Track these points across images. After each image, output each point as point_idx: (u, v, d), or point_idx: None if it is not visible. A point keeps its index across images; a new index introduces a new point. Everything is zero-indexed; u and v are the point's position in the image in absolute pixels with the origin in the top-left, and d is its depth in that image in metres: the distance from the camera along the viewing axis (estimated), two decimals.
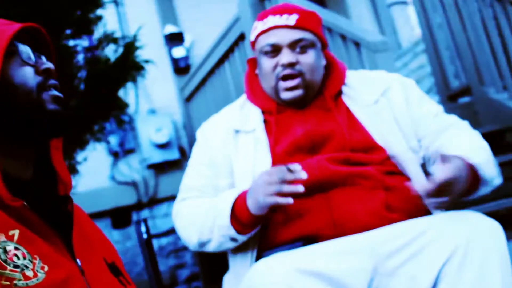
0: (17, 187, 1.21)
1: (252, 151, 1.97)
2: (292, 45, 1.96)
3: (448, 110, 4.54)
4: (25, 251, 1.14)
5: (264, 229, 1.88)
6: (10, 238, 1.13)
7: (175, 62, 6.72)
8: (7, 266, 1.10)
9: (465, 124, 2.03)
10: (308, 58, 1.97)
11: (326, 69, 2.07)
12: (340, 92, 2.02)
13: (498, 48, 4.44)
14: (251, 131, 2.00)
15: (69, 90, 3.34)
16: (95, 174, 5.95)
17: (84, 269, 1.26)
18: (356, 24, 3.63)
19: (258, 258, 1.87)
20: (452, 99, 5.05)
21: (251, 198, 1.78)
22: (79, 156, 3.96)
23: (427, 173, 1.90)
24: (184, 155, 6.62)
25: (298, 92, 1.96)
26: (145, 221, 2.20)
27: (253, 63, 2.12)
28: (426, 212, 1.86)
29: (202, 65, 5.63)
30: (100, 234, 1.45)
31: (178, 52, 6.72)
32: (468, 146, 1.86)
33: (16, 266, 1.11)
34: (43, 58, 1.32)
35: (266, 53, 1.99)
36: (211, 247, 1.92)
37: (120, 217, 6.06)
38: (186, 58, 6.75)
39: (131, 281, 1.37)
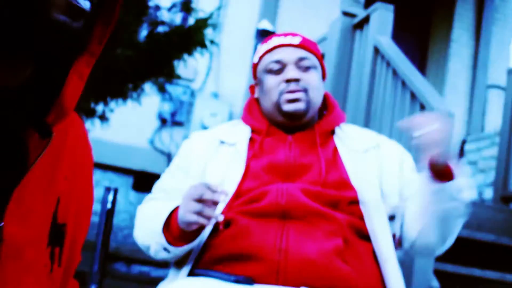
0: None
1: (227, 160, 1.97)
2: (297, 63, 1.99)
3: (496, 212, 4.41)
4: None
5: (208, 243, 1.82)
6: None
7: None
8: None
9: None
10: (311, 77, 1.99)
11: (324, 108, 2.11)
12: (332, 132, 2.04)
13: None
14: (234, 143, 2.02)
15: (126, 39, 3.29)
16: (137, 131, 5.97)
17: (4, 235, 1.02)
18: (429, 87, 3.49)
19: (192, 272, 1.81)
20: (504, 201, 4.93)
21: (180, 211, 1.74)
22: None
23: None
24: None
25: (300, 105, 1.96)
26: (115, 190, 2.11)
27: (252, 90, 2.15)
28: (377, 273, 1.80)
29: None
30: (83, 182, 1.24)
31: None
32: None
33: None
34: None
35: (270, 71, 2.02)
36: (151, 254, 1.89)
37: (143, 181, 6.05)
38: None
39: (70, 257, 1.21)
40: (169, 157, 6.19)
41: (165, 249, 1.80)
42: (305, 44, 2.04)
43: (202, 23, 3.81)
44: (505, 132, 4.99)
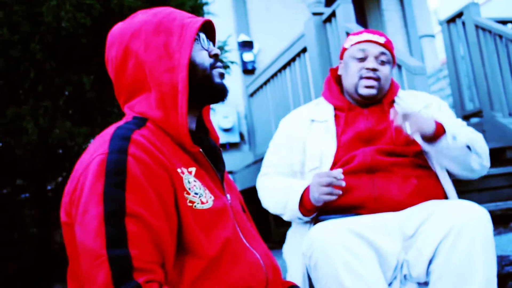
0: (192, 136, 1.29)
1: (322, 137, 2.09)
2: (377, 57, 2.11)
3: None
4: (199, 184, 1.23)
5: None
6: (190, 173, 1.22)
7: (244, 64, 6.91)
8: (190, 192, 1.19)
9: (476, 132, 2.13)
10: (386, 70, 2.12)
11: None
12: (393, 101, 2.17)
13: (508, 81, 4.56)
14: (324, 121, 2.13)
15: None
16: None
17: (230, 202, 1.34)
18: (401, 50, 3.72)
19: (315, 219, 2.00)
20: (465, 119, 5.10)
21: (311, 194, 1.92)
22: None
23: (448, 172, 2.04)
24: (243, 139, 6.82)
25: (373, 91, 2.09)
26: None
27: (333, 72, 2.27)
28: (443, 196, 1.99)
29: (267, 69, 5.76)
30: (231, 180, 1.50)
31: (248, 56, 6.91)
32: (453, 124, 2.00)
33: (195, 193, 1.20)
34: (211, 44, 1.38)
35: (355, 58, 2.13)
36: (284, 218, 2.07)
37: None
38: (253, 62, 6.93)
39: (250, 215, 1.49)
40: None
41: (299, 218, 1.99)
42: (387, 44, 2.13)
43: (221, 49, 3.98)
44: (451, 66, 5.14)
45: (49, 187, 3.41)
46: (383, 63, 2.11)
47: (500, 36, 4.59)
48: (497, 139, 4.59)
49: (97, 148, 1.14)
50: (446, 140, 1.88)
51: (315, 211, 1.97)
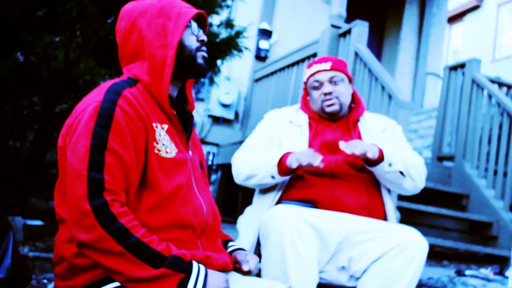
0: (171, 101, 1.57)
1: (296, 138, 2.38)
2: (330, 81, 2.40)
3: (433, 167, 4.98)
4: (168, 138, 1.51)
5: (287, 188, 2.31)
6: (162, 128, 1.51)
7: (258, 50, 7.15)
8: (159, 143, 1.48)
9: (416, 154, 2.40)
10: (340, 87, 2.40)
11: (352, 102, 2.48)
12: (358, 120, 2.44)
13: (485, 137, 4.86)
14: (299, 125, 2.43)
15: None
16: None
17: (191, 157, 1.62)
18: (395, 84, 3.91)
19: (277, 203, 2.29)
20: (439, 160, 5.43)
21: (292, 156, 2.20)
22: None
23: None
24: (237, 118, 7.09)
25: (335, 107, 2.38)
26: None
27: (306, 91, 2.54)
28: (383, 217, 2.30)
29: (278, 61, 5.99)
30: (199, 143, 1.75)
31: (264, 44, 7.15)
32: (395, 148, 2.26)
33: (163, 144, 1.49)
34: (201, 31, 1.63)
35: (313, 87, 2.44)
36: (253, 181, 2.31)
37: None
38: (267, 50, 7.16)
39: (206, 172, 1.77)
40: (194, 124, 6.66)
41: (273, 177, 2.24)
42: (334, 67, 2.41)
43: (238, 35, 4.32)
44: (441, 110, 5.43)
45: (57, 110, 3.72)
46: (335, 83, 2.41)
47: (490, 96, 4.92)
48: (459, 186, 4.96)
49: (95, 96, 1.44)
50: (383, 165, 2.20)
51: (287, 174, 2.25)
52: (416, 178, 2.31)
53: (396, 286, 2.01)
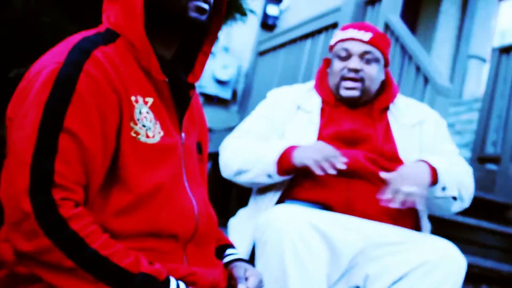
0: (161, 63, 1.39)
1: (303, 127, 2.29)
2: (361, 55, 2.29)
3: (474, 170, 4.87)
4: (152, 117, 1.36)
5: (291, 186, 2.21)
6: (145, 103, 1.35)
7: (265, 17, 7.08)
8: (138, 123, 1.33)
9: (466, 165, 2.33)
10: (371, 69, 2.29)
11: (382, 85, 2.38)
12: (387, 108, 2.34)
13: None
14: (309, 112, 2.33)
15: None
16: None
17: (184, 142, 1.47)
18: (433, 64, 3.90)
19: (278, 202, 2.19)
20: (481, 162, 5.35)
21: (299, 152, 2.10)
22: None
23: None
24: (235, 98, 7.03)
25: (355, 93, 2.28)
26: None
27: (326, 63, 2.45)
28: (413, 226, 2.23)
29: (288, 31, 5.92)
30: (202, 119, 1.63)
31: (272, 10, 7.08)
32: (447, 160, 2.18)
33: (143, 125, 1.34)
34: None
35: (339, 56, 2.32)
36: (244, 178, 2.25)
37: None
38: (276, 18, 7.10)
39: (207, 158, 1.66)
40: None
41: (269, 175, 2.17)
42: (374, 40, 2.30)
43: None
44: (487, 101, 5.36)
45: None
46: (368, 62, 2.30)
47: None
48: (505, 194, 4.85)
49: (55, 56, 1.29)
50: (435, 190, 2.11)
51: (289, 174, 2.17)
52: (466, 200, 2.25)
53: None
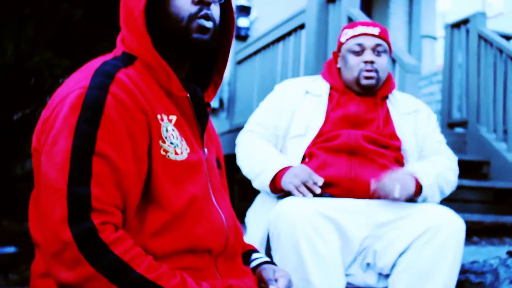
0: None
1: (313, 109, 2.23)
2: (374, 48, 2.23)
3: (445, 135, 4.78)
4: (177, 134, 1.22)
5: None
6: (170, 121, 1.22)
7: (238, 29, 6.96)
8: (166, 141, 1.19)
9: (451, 156, 2.32)
10: (382, 60, 2.25)
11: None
12: (387, 97, 2.31)
13: (500, 96, 4.68)
14: (317, 95, 2.28)
15: None
16: None
17: (207, 157, 1.34)
18: (398, 45, 3.82)
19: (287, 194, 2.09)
20: (450, 127, 5.27)
21: (285, 177, 2.04)
22: None
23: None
24: (222, 106, 6.87)
25: (372, 81, 2.22)
26: None
27: (335, 56, 2.37)
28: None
29: (261, 38, 5.77)
30: (216, 135, 1.51)
31: (243, 22, 6.97)
32: (434, 172, 2.14)
33: (171, 143, 1.20)
34: None
35: (353, 52, 2.25)
36: (253, 184, 2.21)
37: None
38: (247, 28, 7.00)
39: (225, 172, 1.53)
40: None
41: (267, 192, 2.15)
42: (382, 34, 2.26)
43: None
44: (446, 72, 5.28)
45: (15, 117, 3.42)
46: (379, 53, 2.25)
47: (501, 51, 4.71)
48: (477, 153, 4.76)
49: (79, 81, 1.15)
50: (417, 198, 2.08)
51: (282, 192, 2.08)
52: (447, 193, 2.24)
53: (432, 279, 1.84)
